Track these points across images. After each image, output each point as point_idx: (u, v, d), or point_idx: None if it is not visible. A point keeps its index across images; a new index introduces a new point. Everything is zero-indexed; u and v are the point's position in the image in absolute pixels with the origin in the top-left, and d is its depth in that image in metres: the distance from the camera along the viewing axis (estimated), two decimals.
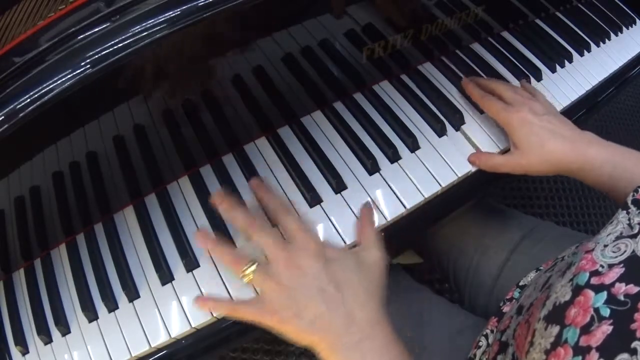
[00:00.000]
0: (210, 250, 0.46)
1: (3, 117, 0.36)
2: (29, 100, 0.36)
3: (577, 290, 0.31)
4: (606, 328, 0.27)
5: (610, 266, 0.31)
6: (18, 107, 0.36)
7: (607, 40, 0.74)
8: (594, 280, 0.30)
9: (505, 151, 0.56)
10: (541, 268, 0.55)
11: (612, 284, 0.29)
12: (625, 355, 0.25)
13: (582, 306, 0.29)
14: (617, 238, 0.33)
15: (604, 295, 0.29)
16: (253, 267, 0.41)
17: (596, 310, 0.28)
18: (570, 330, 0.29)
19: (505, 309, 0.53)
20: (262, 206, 0.47)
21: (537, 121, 0.50)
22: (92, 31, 0.37)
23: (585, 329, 0.28)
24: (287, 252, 0.41)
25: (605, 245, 0.33)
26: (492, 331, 0.51)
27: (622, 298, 0.28)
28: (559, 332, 0.30)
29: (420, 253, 0.82)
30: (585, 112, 0.65)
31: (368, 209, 0.49)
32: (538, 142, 0.49)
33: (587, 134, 0.50)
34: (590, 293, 0.30)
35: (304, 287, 0.40)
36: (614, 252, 0.32)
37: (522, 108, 0.51)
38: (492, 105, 0.54)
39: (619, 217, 0.36)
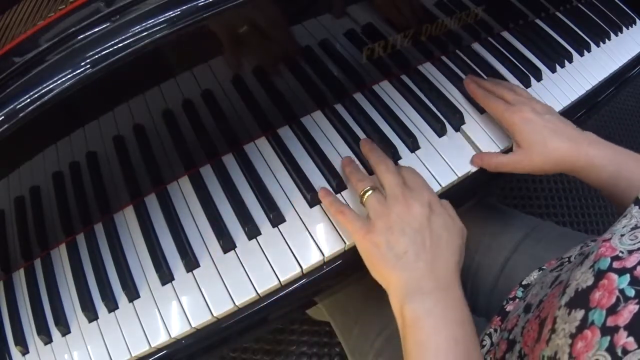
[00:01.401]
0: (347, 169, 0.50)
1: (3, 117, 0.36)
2: (29, 100, 0.36)
3: (600, 275, 0.31)
4: (633, 307, 0.28)
5: (630, 252, 0.31)
6: (18, 107, 0.36)
7: (607, 40, 0.74)
8: (616, 265, 0.31)
9: (505, 151, 0.56)
10: (544, 267, 0.55)
11: (634, 267, 0.30)
12: None
13: (607, 288, 0.30)
14: (633, 228, 0.34)
15: (627, 277, 0.30)
16: (371, 192, 0.46)
17: (621, 291, 0.29)
18: (597, 312, 0.29)
19: (509, 307, 0.53)
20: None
21: (540, 120, 0.51)
22: (92, 31, 0.37)
23: (612, 310, 0.29)
24: (404, 192, 0.45)
25: (622, 235, 0.34)
26: (495, 330, 0.51)
27: None
28: (584, 316, 0.30)
29: None
30: (585, 112, 0.65)
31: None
32: (541, 141, 0.50)
33: (588, 134, 0.50)
34: (613, 276, 0.30)
35: (405, 224, 0.43)
36: (631, 239, 0.33)
37: (524, 107, 0.52)
38: (494, 105, 0.55)
39: (632, 212, 0.37)
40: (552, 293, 0.41)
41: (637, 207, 0.38)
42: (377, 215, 0.44)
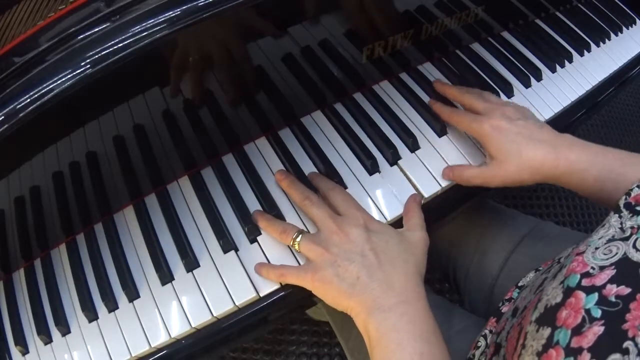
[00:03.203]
0: (264, 225, 0.48)
1: (3, 117, 0.36)
2: (29, 100, 0.36)
3: (568, 292, 0.31)
4: (597, 329, 0.27)
5: (602, 268, 0.31)
6: (18, 107, 0.36)
7: (607, 40, 0.74)
8: (585, 282, 0.30)
9: None
10: (540, 268, 0.55)
11: (604, 286, 0.29)
12: (617, 356, 0.25)
13: (573, 307, 0.29)
14: (609, 241, 0.33)
15: (595, 296, 0.29)
16: (300, 237, 0.45)
17: (587, 311, 0.28)
18: (562, 332, 0.29)
19: (504, 309, 0.53)
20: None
21: (512, 127, 0.47)
22: (92, 31, 0.37)
23: (577, 330, 0.28)
24: (337, 222, 0.44)
25: (597, 248, 0.33)
26: (490, 331, 0.51)
27: (613, 299, 0.28)
28: (550, 334, 0.30)
29: None
30: (585, 112, 0.65)
31: (415, 195, 0.51)
32: (515, 150, 0.46)
33: (566, 136, 0.47)
34: (581, 294, 0.30)
35: (347, 252, 0.42)
36: (605, 254, 0.32)
37: (493, 115, 0.48)
38: (460, 119, 0.52)
39: (611, 221, 0.36)
40: (532, 300, 0.40)
41: (616, 215, 0.36)
42: (318, 255, 0.43)
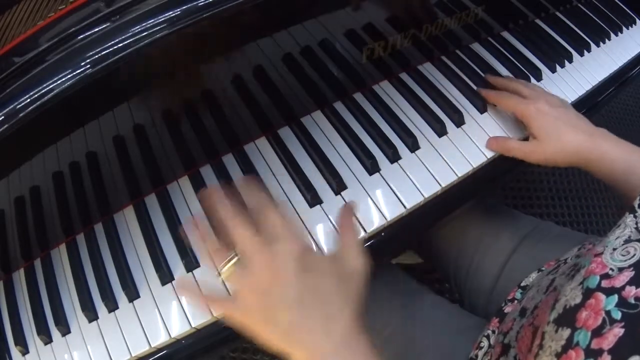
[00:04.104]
0: (194, 237, 0.44)
1: (3, 117, 0.36)
2: (29, 100, 0.36)
3: (588, 293, 0.31)
4: (618, 331, 0.27)
5: (620, 269, 0.31)
6: (18, 107, 0.36)
7: (607, 40, 0.74)
8: (605, 284, 0.30)
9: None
10: (543, 269, 0.55)
11: (623, 287, 0.29)
12: (637, 358, 0.26)
13: (594, 309, 0.29)
14: (626, 242, 0.34)
15: (614, 298, 0.29)
16: (231, 264, 0.38)
17: (607, 313, 0.28)
18: (582, 333, 0.29)
19: (507, 309, 0.53)
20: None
21: (554, 112, 0.52)
22: (92, 31, 0.37)
23: (597, 332, 0.28)
24: (267, 251, 0.37)
25: (614, 249, 0.33)
26: (493, 332, 0.51)
27: (632, 301, 0.28)
28: (570, 335, 0.30)
29: (420, 253, 0.82)
30: (585, 112, 0.65)
31: (347, 210, 0.45)
32: (555, 133, 0.50)
33: (602, 130, 0.51)
34: (601, 296, 0.30)
35: (280, 293, 0.36)
36: (623, 255, 0.32)
37: (538, 100, 0.53)
38: (508, 100, 0.55)
39: (627, 221, 0.37)
40: (545, 300, 0.40)
41: (631, 215, 0.37)
42: (246, 292, 0.38)
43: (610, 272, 0.31)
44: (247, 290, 0.38)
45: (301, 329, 0.36)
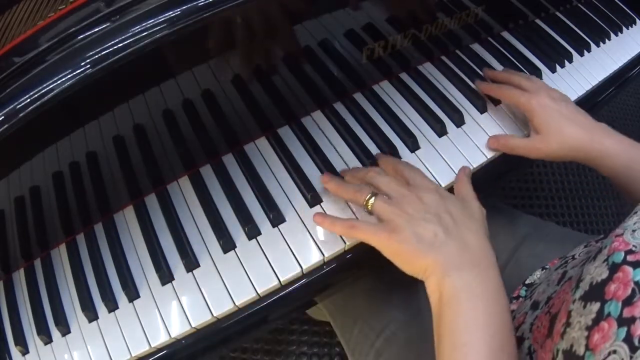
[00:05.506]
0: (333, 185, 0.48)
1: (3, 117, 0.36)
2: (29, 100, 0.36)
3: (615, 268, 0.32)
4: None
5: None
6: (18, 107, 0.36)
7: (607, 40, 0.74)
8: (630, 258, 0.31)
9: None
10: (547, 267, 0.55)
11: None
12: None
13: (622, 281, 0.30)
14: None
15: None
16: (374, 198, 0.44)
17: (637, 283, 0.29)
18: (612, 304, 0.30)
19: (513, 307, 0.53)
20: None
21: (556, 106, 0.52)
22: (92, 31, 0.37)
23: (628, 301, 0.29)
24: (409, 188, 0.44)
25: (634, 230, 0.34)
26: None
27: None
28: (600, 308, 0.31)
29: None
30: None
31: (465, 167, 0.52)
32: (557, 127, 0.50)
33: (603, 125, 0.51)
34: (628, 268, 0.31)
35: (424, 212, 0.42)
36: None
37: (540, 93, 0.53)
38: (510, 92, 0.55)
39: None
40: (562, 289, 0.41)
41: None
42: (393, 215, 0.43)
43: (633, 248, 0.32)
44: (394, 214, 0.43)
45: (442, 241, 0.41)
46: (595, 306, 0.31)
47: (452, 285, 0.39)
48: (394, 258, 0.42)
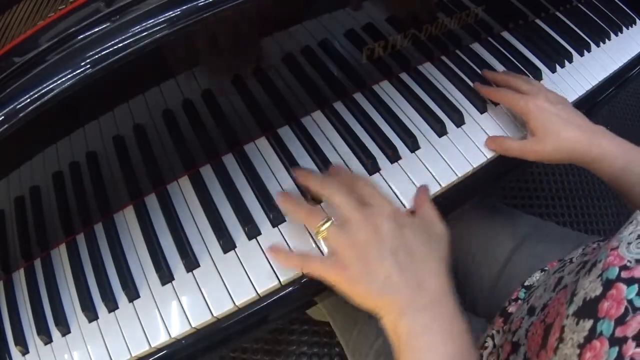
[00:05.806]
0: (288, 206, 0.46)
1: (3, 117, 0.36)
2: (29, 100, 0.36)
3: (609, 284, 0.31)
4: None
5: (637, 261, 0.32)
6: (18, 107, 0.36)
7: (607, 40, 0.74)
8: (624, 274, 0.31)
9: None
10: (546, 269, 0.55)
11: None
12: None
13: (615, 299, 0.30)
14: (639, 237, 0.34)
15: (635, 287, 0.30)
16: (328, 224, 0.42)
17: (630, 301, 0.29)
18: (605, 323, 0.30)
19: (511, 309, 0.53)
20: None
21: (553, 109, 0.51)
22: (92, 31, 0.37)
23: (620, 320, 0.29)
24: (363, 212, 0.41)
25: (629, 243, 0.34)
26: (498, 332, 0.51)
27: None
28: (592, 326, 0.30)
29: None
30: (585, 112, 0.65)
31: (423, 186, 0.51)
32: (554, 130, 0.50)
33: (601, 127, 0.51)
34: (622, 286, 0.30)
35: (377, 248, 0.39)
36: (638, 248, 0.33)
37: (538, 96, 0.53)
38: (507, 96, 0.55)
39: (638, 218, 0.37)
40: (557, 297, 0.40)
41: None
42: (344, 248, 0.40)
43: (628, 263, 0.32)
44: (345, 246, 0.40)
45: (396, 281, 0.39)
46: (588, 323, 0.31)
47: (408, 329, 0.38)
48: (346, 294, 0.41)
